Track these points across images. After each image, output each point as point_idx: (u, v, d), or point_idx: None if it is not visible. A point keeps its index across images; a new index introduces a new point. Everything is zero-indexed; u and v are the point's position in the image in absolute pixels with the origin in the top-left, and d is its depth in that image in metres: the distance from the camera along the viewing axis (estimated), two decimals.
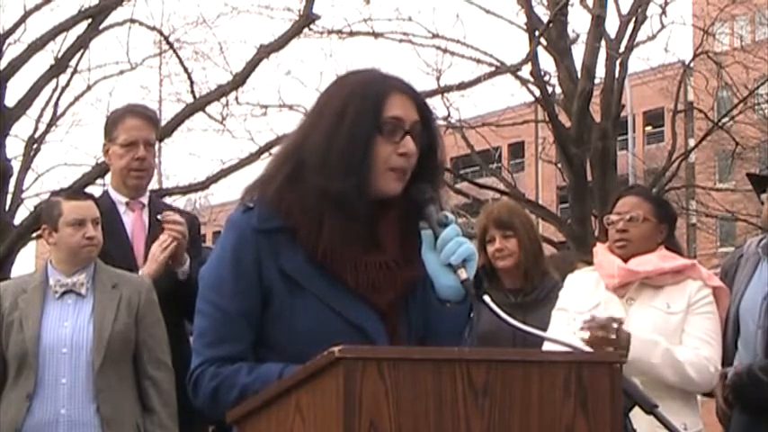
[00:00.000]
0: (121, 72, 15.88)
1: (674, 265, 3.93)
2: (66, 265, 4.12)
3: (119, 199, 4.47)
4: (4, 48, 14.19)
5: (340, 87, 2.35)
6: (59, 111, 15.84)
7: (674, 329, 3.83)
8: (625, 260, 3.95)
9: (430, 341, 2.31)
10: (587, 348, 2.14)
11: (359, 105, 2.28)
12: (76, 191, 4.50)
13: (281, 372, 2.18)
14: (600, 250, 4.07)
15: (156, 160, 4.84)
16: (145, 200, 4.51)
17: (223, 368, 2.25)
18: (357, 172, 2.25)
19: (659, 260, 3.94)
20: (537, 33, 15.31)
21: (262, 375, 2.21)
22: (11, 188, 14.22)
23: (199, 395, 2.28)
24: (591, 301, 3.95)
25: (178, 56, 15.08)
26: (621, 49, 15.82)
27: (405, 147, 2.28)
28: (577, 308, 3.97)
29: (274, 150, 2.54)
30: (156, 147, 4.68)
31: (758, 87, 18.48)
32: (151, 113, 4.75)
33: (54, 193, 4.47)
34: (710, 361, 3.83)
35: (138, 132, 4.45)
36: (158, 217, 4.42)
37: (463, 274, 2.23)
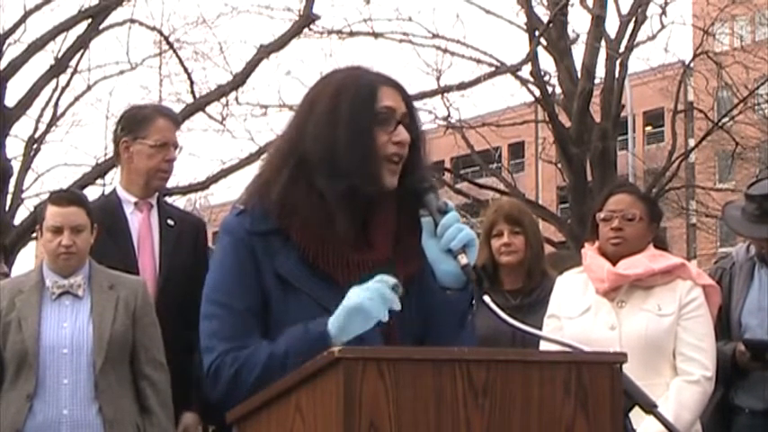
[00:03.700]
0: (121, 72, 15.91)
1: (663, 265, 3.90)
2: (54, 268, 4.11)
3: (127, 198, 4.40)
4: (4, 48, 14.20)
5: (328, 84, 2.35)
6: (59, 111, 15.88)
7: (667, 331, 3.81)
8: (614, 262, 3.92)
9: (431, 330, 2.32)
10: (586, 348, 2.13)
11: (353, 98, 2.28)
12: (67, 193, 4.40)
13: (306, 328, 2.17)
14: (589, 253, 4.02)
15: None
16: (153, 200, 4.44)
17: (241, 352, 2.23)
18: (364, 164, 2.25)
19: (649, 261, 3.91)
20: (537, 33, 15.31)
21: (285, 337, 2.19)
22: (11, 188, 14.23)
23: (219, 384, 2.24)
24: (581, 306, 3.93)
25: (178, 56, 15.08)
26: (621, 49, 15.81)
27: (399, 135, 2.29)
28: (567, 313, 3.96)
29: (268, 152, 2.54)
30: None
31: (758, 87, 18.45)
32: (177, 116, 4.74)
33: (51, 193, 4.43)
34: (703, 369, 3.80)
35: (170, 134, 4.42)
36: (169, 222, 4.40)
37: (463, 259, 2.23)
